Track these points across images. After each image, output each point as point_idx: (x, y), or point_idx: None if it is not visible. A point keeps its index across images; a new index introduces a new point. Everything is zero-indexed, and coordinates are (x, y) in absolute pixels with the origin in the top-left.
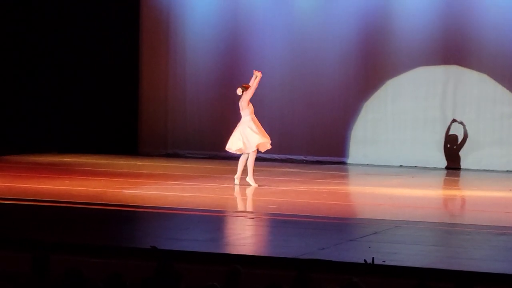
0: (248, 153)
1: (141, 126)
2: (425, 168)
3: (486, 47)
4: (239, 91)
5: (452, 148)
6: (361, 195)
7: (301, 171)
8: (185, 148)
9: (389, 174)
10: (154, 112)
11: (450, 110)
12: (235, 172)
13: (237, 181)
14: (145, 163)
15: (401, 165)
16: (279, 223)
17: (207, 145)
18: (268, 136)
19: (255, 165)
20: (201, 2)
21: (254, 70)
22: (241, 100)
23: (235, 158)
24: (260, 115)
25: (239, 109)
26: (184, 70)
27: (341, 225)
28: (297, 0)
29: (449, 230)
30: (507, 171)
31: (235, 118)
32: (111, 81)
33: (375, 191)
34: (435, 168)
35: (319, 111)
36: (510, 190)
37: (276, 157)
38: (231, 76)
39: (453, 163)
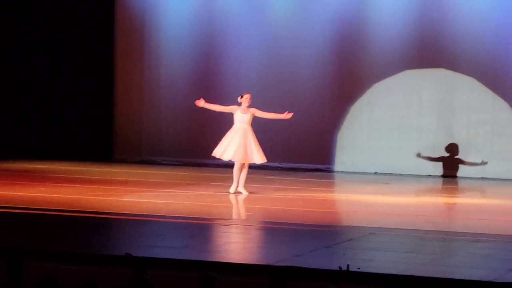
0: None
1: (116, 132)
2: (400, 175)
3: (465, 50)
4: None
5: (452, 157)
6: (336, 202)
7: (276, 178)
8: (160, 155)
9: (364, 181)
10: (129, 118)
11: (427, 117)
12: (210, 179)
13: (244, 191)
14: (120, 170)
15: (375, 172)
16: (254, 230)
17: (181, 152)
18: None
19: (229, 173)
20: (176, 8)
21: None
22: (253, 112)
23: (208, 165)
24: (232, 120)
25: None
26: (159, 76)
27: (316, 232)
28: (273, 5)
29: (424, 237)
30: (482, 178)
31: (210, 124)
32: (86, 87)
33: (350, 197)
34: (410, 175)
35: (295, 117)
36: (485, 197)
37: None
38: (206, 82)
39: (450, 171)
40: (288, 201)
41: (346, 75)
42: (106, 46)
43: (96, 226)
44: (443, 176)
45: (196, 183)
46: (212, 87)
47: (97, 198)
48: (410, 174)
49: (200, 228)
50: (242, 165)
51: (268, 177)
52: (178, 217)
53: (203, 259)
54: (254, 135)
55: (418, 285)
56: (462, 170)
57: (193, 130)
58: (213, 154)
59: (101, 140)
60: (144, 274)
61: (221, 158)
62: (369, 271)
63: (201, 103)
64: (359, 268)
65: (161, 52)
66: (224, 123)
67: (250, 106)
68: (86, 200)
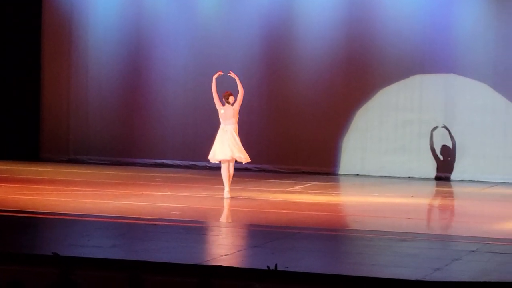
0: (228, 163)
1: (43, 131)
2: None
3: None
4: (231, 99)
5: (446, 158)
6: (262, 202)
7: (204, 177)
8: (87, 154)
9: (292, 181)
10: (56, 117)
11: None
12: (138, 178)
13: (228, 195)
14: (47, 169)
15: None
16: (182, 230)
17: (109, 151)
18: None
19: (156, 172)
20: (104, 6)
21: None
22: (233, 108)
23: (136, 164)
24: (164, 118)
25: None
26: (86, 75)
27: (245, 231)
28: (201, 4)
29: (351, 236)
30: (409, 177)
31: (138, 123)
32: (12, 86)
33: (278, 197)
34: (354, 175)
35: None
36: (412, 196)
37: (176, 163)
38: (133, 82)
39: (444, 172)
40: (216, 200)
41: (276, 73)
42: (32, 43)
43: (23, 225)
44: (368, 175)
45: (124, 182)
46: (140, 86)
47: (23, 197)
48: (414, 177)
49: (128, 228)
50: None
51: (195, 176)
52: (105, 217)
53: (130, 259)
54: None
55: (345, 284)
56: (388, 170)
57: (121, 129)
58: (242, 160)
59: (27, 139)
60: (71, 273)
61: (242, 161)
62: (297, 271)
63: (216, 75)
64: (287, 267)
65: (89, 50)
66: (155, 121)
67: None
68: (13, 199)
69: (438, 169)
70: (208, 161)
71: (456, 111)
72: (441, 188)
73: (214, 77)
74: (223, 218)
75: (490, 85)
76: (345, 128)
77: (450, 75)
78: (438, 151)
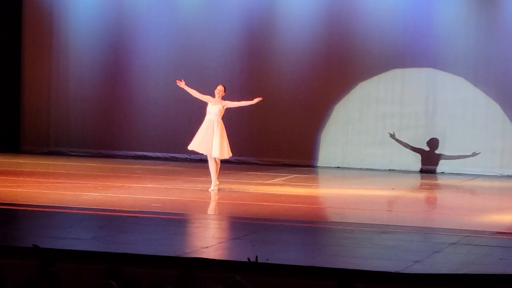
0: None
1: (23, 123)
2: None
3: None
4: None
5: (427, 151)
6: (243, 194)
7: (184, 169)
8: (68, 146)
9: (273, 174)
10: (37, 109)
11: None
12: (119, 170)
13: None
14: (27, 161)
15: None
16: (163, 222)
17: (89, 143)
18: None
19: (139, 165)
20: (84, 0)
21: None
22: (224, 105)
23: (117, 156)
24: (145, 111)
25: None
26: (67, 67)
27: (224, 223)
28: None
29: (331, 229)
30: (389, 170)
31: (119, 116)
32: None
33: (259, 189)
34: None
35: (202, 110)
36: (392, 189)
37: (157, 155)
38: (114, 74)
39: (426, 165)
40: (196, 193)
41: (256, 66)
42: (13, 38)
43: (3, 217)
44: (349, 168)
45: (105, 175)
46: (121, 78)
47: (4, 189)
48: (395, 170)
49: (108, 220)
50: (215, 159)
51: (176, 168)
52: (86, 209)
53: (111, 251)
54: (223, 128)
55: (326, 276)
56: (369, 162)
57: (102, 121)
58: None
59: (7, 131)
60: (51, 265)
61: (189, 149)
62: (278, 263)
63: (181, 84)
64: (268, 260)
65: (70, 42)
66: (136, 113)
67: (225, 98)
68: None
69: (419, 162)
70: (189, 153)
71: (436, 105)
72: (422, 181)
73: (182, 86)
74: (204, 210)
75: (470, 80)
76: (325, 121)
77: (430, 69)
78: (419, 144)
